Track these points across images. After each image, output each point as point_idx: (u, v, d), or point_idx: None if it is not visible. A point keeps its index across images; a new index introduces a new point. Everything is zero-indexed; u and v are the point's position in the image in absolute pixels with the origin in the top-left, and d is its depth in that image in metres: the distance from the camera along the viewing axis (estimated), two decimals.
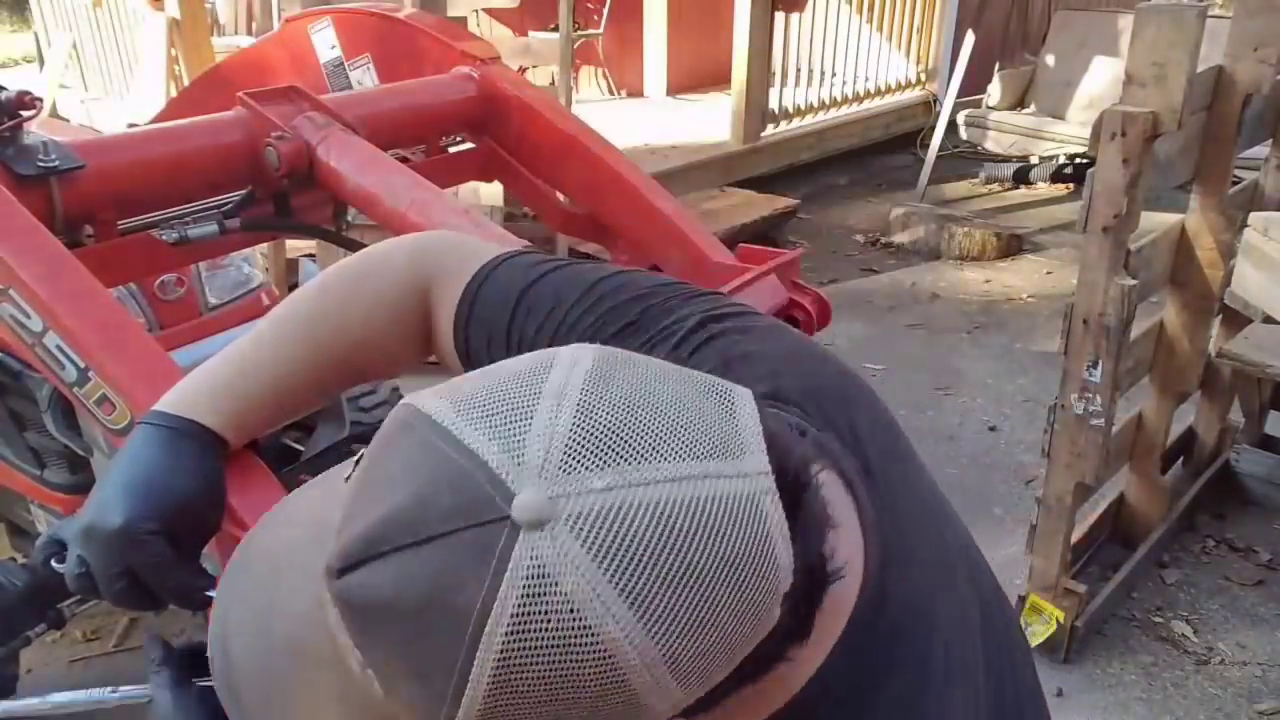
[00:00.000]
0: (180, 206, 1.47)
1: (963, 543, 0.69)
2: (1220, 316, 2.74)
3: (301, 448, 2.26)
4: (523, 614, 0.41)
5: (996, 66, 6.42)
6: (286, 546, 0.54)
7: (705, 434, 0.46)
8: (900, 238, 5.39)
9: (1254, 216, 2.42)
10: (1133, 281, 2.10)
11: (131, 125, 2.08)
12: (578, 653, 0.41)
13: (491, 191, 3.83)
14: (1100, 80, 5.81)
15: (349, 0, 2.02)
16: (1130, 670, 2.39)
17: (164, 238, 1.39)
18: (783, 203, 5.28)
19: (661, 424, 0.45)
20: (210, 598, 0.77)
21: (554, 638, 0.41)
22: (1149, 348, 2.54)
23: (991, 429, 3.51)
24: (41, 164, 1.26)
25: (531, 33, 6.67)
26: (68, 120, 5.88)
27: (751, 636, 0.46)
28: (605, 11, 6.88)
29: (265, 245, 3.09)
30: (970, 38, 5.85)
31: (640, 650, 0.42)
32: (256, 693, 0.53)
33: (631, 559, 0.42)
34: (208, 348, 2.01)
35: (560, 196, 1.86)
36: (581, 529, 0.42)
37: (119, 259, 1.38)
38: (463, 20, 4.42)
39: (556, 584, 0.41)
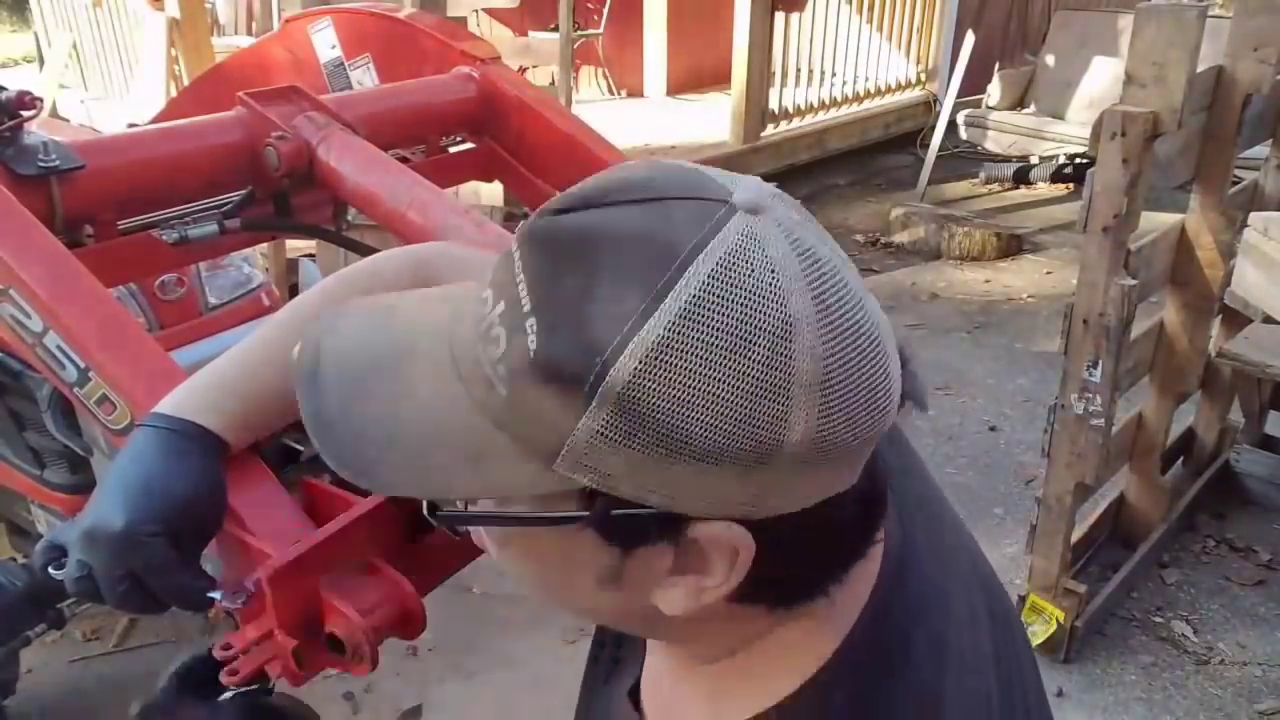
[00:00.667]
0: (180, 206, 1.47)
1: (966, 538, 0.70)
2: (1220, 316, 2.74)
3: (302, 448, 2.26)
4: (731, 257, 0.43)
5: (996, 66, 6.42)
6: (411, 294, 0.57)
7: None
8: (900, 238, 5.39)
9: (1254, 216, 2.42)
10: (1133, 281, 2.10)
11: (131, 125, 2.08)
12: (765, 308, 0.43)
13: (491, 191, 3.83)
14: (1100, 80, 5.81)
15: (349, 0, 2.02)
16: (1130, 670, 2.39)
17: (164, 238, 1.39)
18: None
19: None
20: (211, 599, 0.77)
21: (751, 286, 0.43)
22: (1149, 348, 2.54)
23: (991, 429, 3.51)
24: (41, 164, 1.26)
25: (531, 33, 6.67)
26: (68, 120, 5.88)
27: (874, 424, 0.46)
28: (605, 11, 6.88)
29: (265, 245, 3.09)
30: (970, 38, 5.85)
31: (810, 343, 0.43)
32: (344, 384, 0.52)
33: (824, 269, 0.45)
34: (208, 348, 2.02)
35: None
36: (786, 228, 0.45)
37: (119, 259, 1.38)
38: (463, 20, 4.42)
39: (763, 250, 0.44)
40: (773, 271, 0.44)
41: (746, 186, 0.46)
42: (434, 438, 0.49)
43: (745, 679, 0.56)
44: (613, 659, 0.71)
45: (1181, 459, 3.06)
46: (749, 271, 0.43)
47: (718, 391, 0.43)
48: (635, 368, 0.43)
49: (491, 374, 0.46)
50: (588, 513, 0.47)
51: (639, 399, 0.43)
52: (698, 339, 0.43)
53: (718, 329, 0.43)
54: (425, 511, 0.53)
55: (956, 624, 0.61)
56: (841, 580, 0.53)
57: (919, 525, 0.63)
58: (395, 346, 0.53)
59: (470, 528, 0.59)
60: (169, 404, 0.80)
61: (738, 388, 0.43)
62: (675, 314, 0.43)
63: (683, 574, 0.49)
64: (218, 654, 0.74)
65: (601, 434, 0.44)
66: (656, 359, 0.43)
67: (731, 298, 0.43)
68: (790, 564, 0.50)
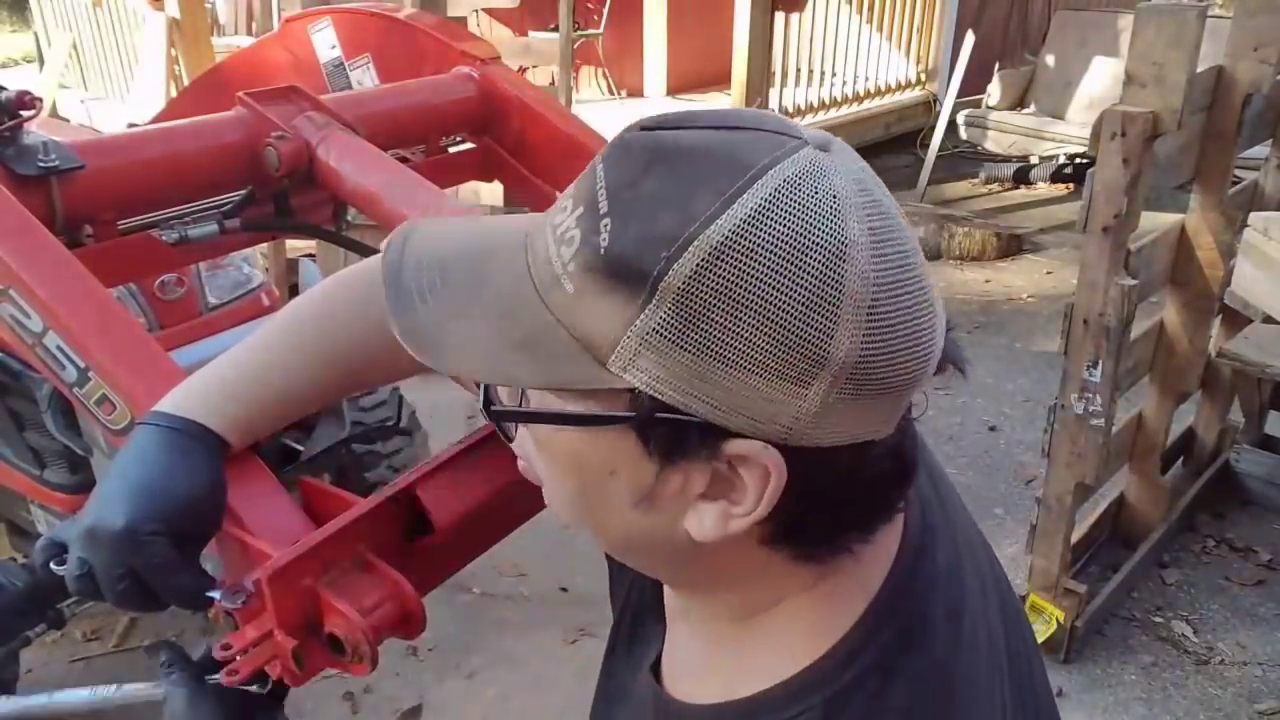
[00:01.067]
0: (180, 206, 1.47)
1: (978, 535, 0.71)
2: (1220, 316, 2.74)
3: (301, 448, 2.26)
4: (795, 180, 0.46)
5: (996, 66, 6.42)
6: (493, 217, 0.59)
7: None
8: None
9: (1254, 216, 2.42)
10: (1133, 281, 2.10)
11: (131, 125, 2.08)
12: (823, 228, 0.46)
13: (491, 191, 3.83)
14: (1100, 80, 5.81)
15: (349, 0, 2.02)
16: (1130, 670, 2.39)
17: (164, 238, 1.39)
18: None
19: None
20: (211, 598, 0.77)
21: (811, 206, 0.46)
22: (1149, 348, 2.54)
23: (991, 429, 3.51)
24: (41, 164, 1.26)
25: (531, 33, 6.67)
26: (68, 120, 5.88)
27: (913, 368, 0.48)
28: (605, 11, 6.88)
29: (265, 245, 3.09)
30: (970, 38, 5.85)
31: (862, 267, 0.46)
32: (424, 271, 0.56)
33: (880, 208, 0.48)
34: (208, 348, 2.02)
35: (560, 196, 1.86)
36: (849, 170, 0.48)
37: (119, 259, 1.38)
38: (463, 20, 4.42)
39: (828, 178, 0.47)
40: (834, 197, 0.46)
41: (817, 132, 0.50)
42: (499, 328, 0.52)
43: (768, 643, 0.57)
44: (629, 637, 0.72)
45: (1181, 459, 3.06)
46: (813, 193, 0.46)
47: (771, 297, 0.45)
48: (698, 264, 0.45)
49: (561, 272, 0.49)
50: (634, 414, 0.49)
51: (697, 297, 0.45)
52: (758, 244, 0.45)
53: (778, 238, 0.45)
54: (481, 406, 0.56)
55: (972, 603, 0.62)
56: (868, 540, 0.54)
57: (937, 515, 0.64)
58: (476, 245, 0.56)
59: (517, 440, 0.60)
60: (170, 403, 0.80)
61: (791, 296, 0.45)
62: (740, 219, 0.45)
63: (715, 499, 0.51)
64: (217, 654, 0.74)
65: (658, 331, 0.46)
66: (718, 259, 0.45)
67: (794, 212, 0.46)
68: (819, 507, 0.51)
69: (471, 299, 0.53)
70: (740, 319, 0.45)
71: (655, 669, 0.65)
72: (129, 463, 0.76)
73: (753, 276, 0.45)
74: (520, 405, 0.55)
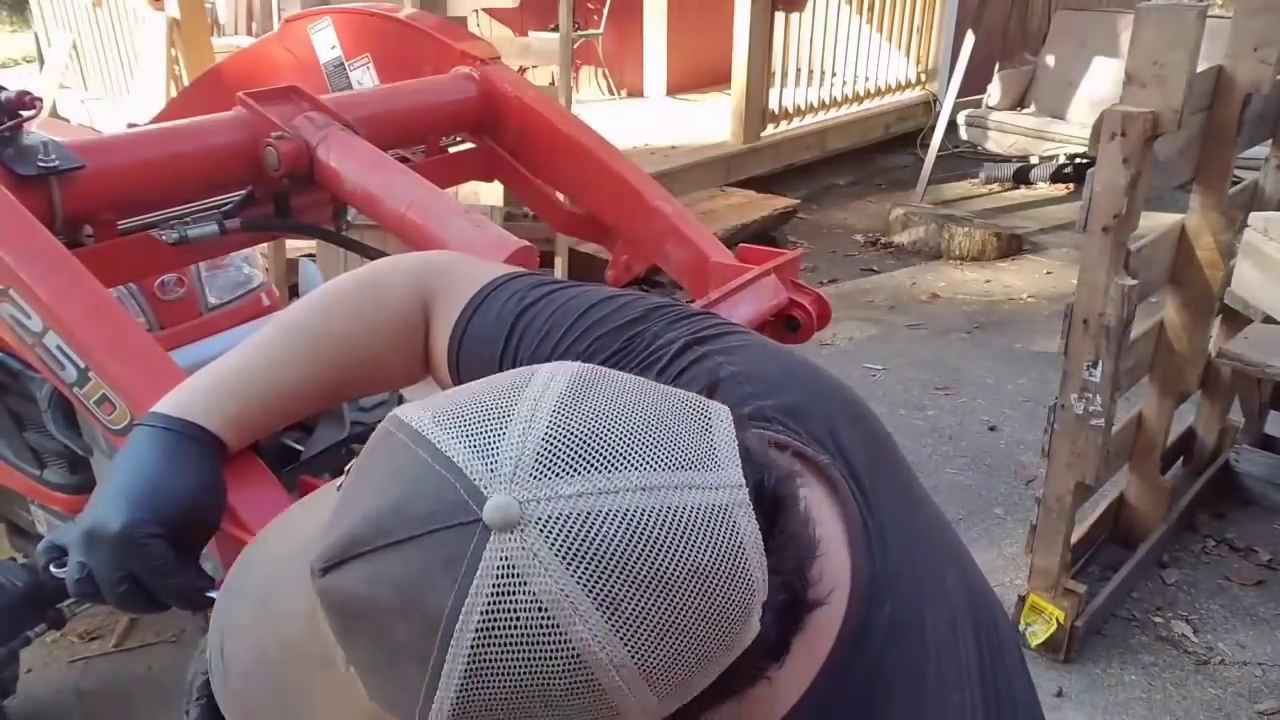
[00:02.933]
0: (180, 206, 1.47)
1: (951, 549, 0.69)
2: (1220, 316, 2.74)
3: (301, 448, 2.26)
4: (492, 612, 0.43)
5: (996, 66, 6.42)
6: (283, 557, 0.55)
7: (679, 446, 0.47)
8: (900, 238, 5.39)
9: (1254, 216, 2.42)
10: (1133, 281, 2.10)
11: (131, 125, 2.08)
12: (546, 651, 0.43)
13: (491, 191, 3.83)
14: (1100, 80, 5.82)
15: (349, 0, 2.02)
16: (1130, 670, 2.39)
17: (164, 238, 1.39)
18: (783, 203, 5.28)
19: (635, 435, 0.46)
20: (211, 598, 0.77)
21: (523, 636, 0.43)
22: (1149, 348, 2.54)
23: (991, 429, 3.51)
24: (41, 164, 1.26)
25: (531, 33, 6.66)
26: (68, 120, 5.87)
27: (726, 647, 0.46)
28: (605, 11, 6.88)
29: (265, 245, 3.08)
30: (970, 38, 5.84)
31: (609, 651, 0.43)
32: (253, 695, 0.54)
33: (600, 563, 0.43)
34: (208, 348, 2.02)
35: (560, 196, 1.86)
36: (550, 532, 0.43)
37: (119, 259, 1.39)
38: (463, 20, 4.42)
39: (525, 584, 0.43)
40: (542, 609, 0.43)
41: (501, 482, 0.44)
42: None
43: None
44: None
45: (1181, 459, 3.06)
46: (514, 622, 0.43)
47: (525, 711, 0.43)
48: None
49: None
50: None
51: None
52: (488, 702, 0.43)
53: (504, 687, 0.43)
54: None
55: (932, 648, 0.61)
56: (780, 662, 0.52)
57: (893, 543, 0.62)
58: (287, 677, 0.53)
59: None
60: (167, 404, 0.80)
61: (549, 715, 0.43)
62: (457, 686, 0.43)
63: None
64: None
65: None
66: (464, 713, 0.43)
67: (507, 656, 0.43)
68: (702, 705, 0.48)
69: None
70: None
71: None
72: (126, 465, 0.76)
73: (505, 706, 0.43)
74: None
